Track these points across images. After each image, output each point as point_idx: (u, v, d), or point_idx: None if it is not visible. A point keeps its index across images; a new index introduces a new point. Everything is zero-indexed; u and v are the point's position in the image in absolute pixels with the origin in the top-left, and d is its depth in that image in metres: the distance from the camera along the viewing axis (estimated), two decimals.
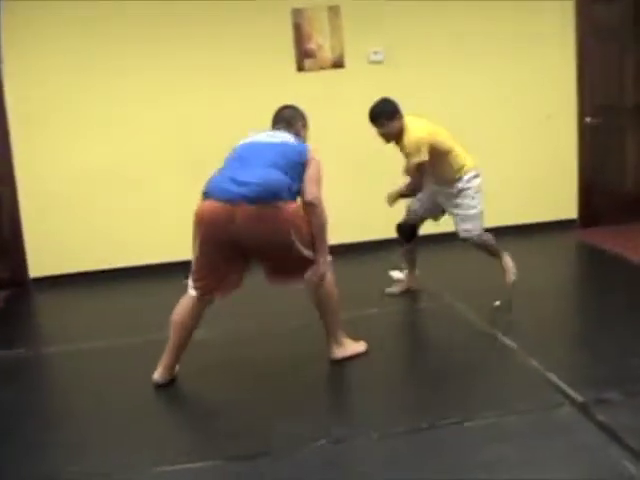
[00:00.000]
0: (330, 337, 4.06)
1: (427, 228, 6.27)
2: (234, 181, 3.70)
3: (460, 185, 4.77)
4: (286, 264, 3.87)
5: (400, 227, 5.13)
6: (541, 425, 3.20)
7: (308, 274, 3.85)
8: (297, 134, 4.10)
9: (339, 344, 4.06)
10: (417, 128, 4.63)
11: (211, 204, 3.72)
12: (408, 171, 4.74)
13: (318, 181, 3.86)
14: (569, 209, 6.93)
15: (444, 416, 3.31)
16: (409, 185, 4.82)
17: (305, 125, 4.22)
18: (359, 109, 6.09)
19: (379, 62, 6.25)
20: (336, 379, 4.01)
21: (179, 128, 6.16)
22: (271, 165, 3.75)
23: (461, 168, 4.75)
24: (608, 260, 5.90)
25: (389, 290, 5.29)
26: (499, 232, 6.03)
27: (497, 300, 4.90)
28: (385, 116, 4.62)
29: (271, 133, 4.05)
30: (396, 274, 5.57)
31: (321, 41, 6.11)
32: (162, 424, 3.58)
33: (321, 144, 5.94)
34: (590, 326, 4.48)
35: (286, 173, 3.76)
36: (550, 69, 6.67)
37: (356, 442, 3.16)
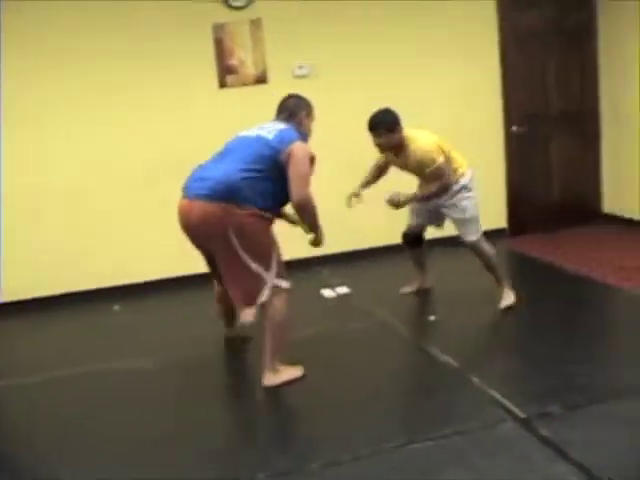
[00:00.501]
0: (266, 363, 3.95)
1: (350, 244, 6.23)
2: (197, 177, 3.82)
3: (456, 188, 4.77)
4: (234, 275, 3.83)
5: (405, 236, 5.19)
6: (486, 443, 3.16)
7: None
8: (299, 124, 4.05)
9: (274, 371, 3.95)
10: (424, 137, 4.68)
11: (179, 201, 3.86)
12: (425, 182, 4.81)
13: (302, 178, 3.78)
14: (498, 218, 6.97)
15: (388, 440, 3.24)
16: (372, 175, 5.02)
17: (309, 114, 4.16)
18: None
19: (305, 76, 6.15)
20: (274, 407, 3.89)
21: (107, 146, 5.98)
22: (240, 162, 3.76)
23: (456, 171, 4.77)
24: (539, 268, 5.95)
25: (404, 289, 5.40)
26: (431, 244, 6.03)
27: (431, 315, 4.88)
28: (385, 126, 4.58)
29: (265, 125, 4.02)
30: (327, 292, 5.50)
31: (243, 56, 5.97)
32: None
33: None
34: (526, 336, 4.48)
35: (258, 171, 3.74)
36: (475, 79, 6.72)
37: (298, 473, 3.05)
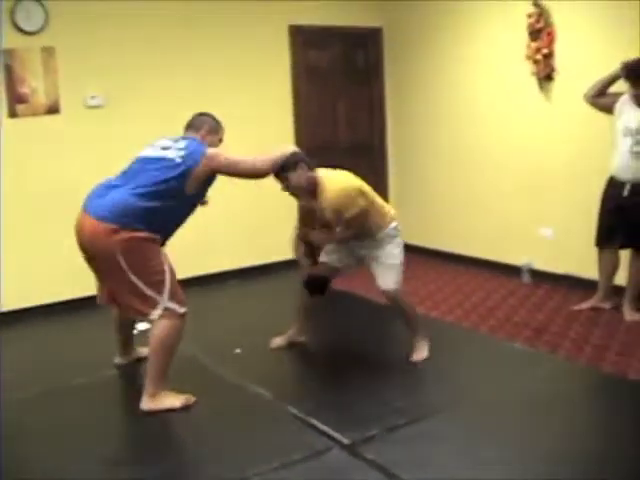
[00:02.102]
0: (147, 385, 3.86)
1: None
2: (97, 194, 3.83)
3: (382, 234, 4.38)
4: (124, 295, 3.78)
5: (311, 280, 4.50)
6: (315, 472, 3.15)
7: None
8: (202, 139, 4.08)
9: (152, 396, 3.85)
10: (340, 179, 4.33)
11: (78, 213, 3.87)
12: (343, 232, 4.33)
13: (237, 163, 3.94)
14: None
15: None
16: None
17: (212, 132, 4.18)
18: (78, 156, 5.82)
19: (98, 107, 5.91)
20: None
21: None
22: (141, 186, 3.75)
23: (384, 217, 4.42)
24: (341, 297, 6.04)
25: (274, 342, 4.80)
26: (233, 275, 6.02)
27: (237, 348, 4.82)
28: (284, 168, 4.09)
29: (168, 143, 4.01)
30: (141, 326, 5.27)
31: (35, 85, 5.60)
32: None
33: (31, 192, 5.64)
34: (338, 367, 4.51)
35: (159, 195, 3.73)
36: (269, 113, 6.82)
37: None
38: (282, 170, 4.08)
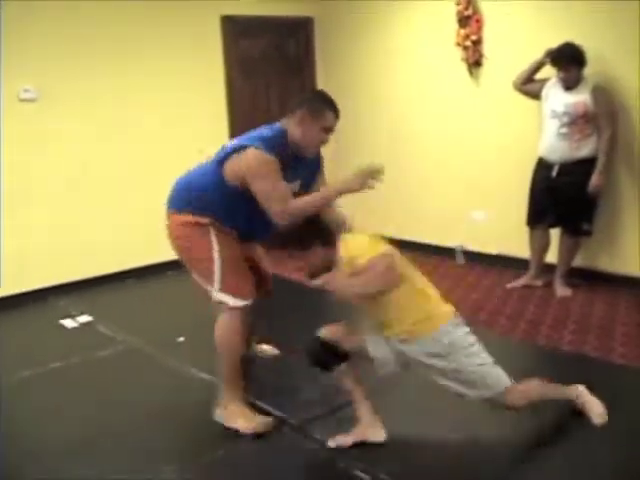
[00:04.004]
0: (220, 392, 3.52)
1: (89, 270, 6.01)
2: None
3: (425, 338, 3.04)
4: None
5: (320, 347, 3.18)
6: (265, 451, 3.24)
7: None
8: (297, 124, 3.37)
9: (224, 407, 3.48)
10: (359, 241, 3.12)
11: None
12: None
13: (269, 193, 3.20)
14: None
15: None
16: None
17: (314, 117, 3.37)
18: (9, 150, 5.72)
19: (32, 100, 5.80)
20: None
21: None
22: (196, 172, 3.55)
23: (425, 313, 3.06)
24: (284, 285, 6.05)
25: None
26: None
27: (180, 336, 4.83)
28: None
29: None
30: (68, 322, 5.25)
31: None
32: None
33: None
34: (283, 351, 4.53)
35: (204, 179, 3.43)
36: (202, 103, 6.80)
37: None
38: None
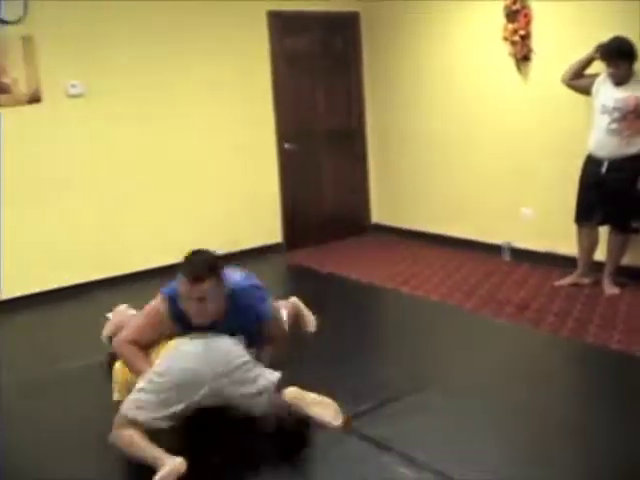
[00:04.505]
0: None
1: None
2: None
3: None
4: None
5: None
6: (310, 448, 3.20)
7: None
8: None
9: None
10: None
11: None
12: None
13: (130, 323, 3.59)
14: (274, 233, 7.13)
15: None
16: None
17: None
18: (60, 145, 5.84)
19: (79, 95, 5.90)
20: None
21: None
22: None
23: None
24: (321, 279, 6.14)
25: None
26: None
27: None
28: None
29: None
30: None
31: (16, 74, 5.57)
32: None
33: (17, 181, 5.64)
34: (327, 344, 4.49)
35: None
36: (250, 99, 6.85)
37: None
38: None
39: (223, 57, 6.64)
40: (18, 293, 5.70)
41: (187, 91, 6.47)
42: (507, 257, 6.37)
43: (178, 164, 6.46)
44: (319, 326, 4.70)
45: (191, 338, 3.27)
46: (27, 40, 5.59)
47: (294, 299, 4.53)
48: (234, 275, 3.51)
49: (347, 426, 3.23)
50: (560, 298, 5.22)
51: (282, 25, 6.96)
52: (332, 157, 7.47)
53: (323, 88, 7.32)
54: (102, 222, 6.11)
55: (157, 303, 3.43)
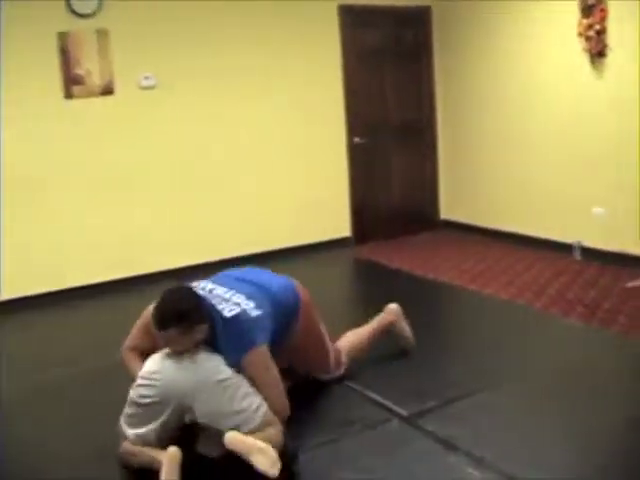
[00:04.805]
0: None
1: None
2: None
3: None
4: None
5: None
6: (376, 443, 3.23)
7: None
8: None
9: None
10: None
11: None
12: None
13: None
14: (343, 227, 7.16)
15: None
16: None
17: None
18: (131, 136, 5.99)
19: (151, 87, 6.04)
20: None
21: None
22: None
23: None
24: (388, 274, 6.15)
25: None
26: (277, 255, 6.10)
27: None
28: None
29: None
30: None
31: (90, 66, 5.75)
32: None
33: (89, 171, 5.80)
34: (392, 341, 4.54)
35: None
36: (320, 93, 6.91)
37: None
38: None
39: (294, 51, 6.72)
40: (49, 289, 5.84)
41: (257, 85, 6.55)
42: (577, 256, 6.28)
43: (247, 157, 6.57)
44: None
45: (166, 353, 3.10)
46: (101, 33, 5.76)
47: (394, 306, 4.23)
48: (226, 310, 3.21)
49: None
50: (632, 299, 5.13)
51: (353, 19, 6.98)
52: (402, 152, 7.47)
53: (393, 82, 7.33)
54: (175, 214, 6.25)
55: (151, 308, 3.27)
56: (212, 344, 3.15)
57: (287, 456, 3.00)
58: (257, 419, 3.02)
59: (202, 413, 3.00)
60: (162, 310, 3.05)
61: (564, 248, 6.37)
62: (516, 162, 6.83)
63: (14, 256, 5.59)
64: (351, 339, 4.02)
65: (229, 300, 3.26)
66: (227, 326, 3.16)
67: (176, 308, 3.03)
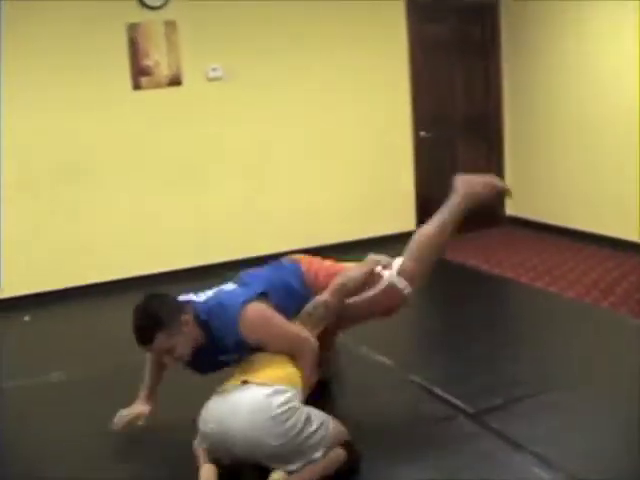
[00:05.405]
0: None
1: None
2: None
3: None
4: None
5: None
6: (441, 440, 3.21)
7: None
8: None
9: None
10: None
11: None
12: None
13: None
14: (408, 221, 7.11)
15: None
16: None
17: None
18: (198, 127, 6.05)
19: (218, 79, 6.09)
20: None
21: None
22: None
23: None
24: (454, 269, 6.08)
25: None
26: (340, 248, 6.10)
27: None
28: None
29: None
30: None
31: (158, 58, 5.83)
32: None
33: (156, 163, 5.87)
34: (458, 337, 4.53)
35: None
36: (385, 86, 6.87)
37: None
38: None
39: (360, 43, 6.70)
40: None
41: (323, 77, 6.56)
42: None
43: (312, 149, 6.58)
44: (449, 318, 4.67)
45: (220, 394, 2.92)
46: (169, 25, 5.82)
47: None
48: (200, 298, 3.16)
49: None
50: None
51: (419, 12, 6.93)
52: (467, 146, 7.40)
53: (460, 76, 7.26)
54: (242, 205, 6.34)
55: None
56: (212, 341, 3.05)
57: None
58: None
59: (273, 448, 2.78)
60: (136, 329, 2.93)
61: (634, 247, 6.22)
62: (584, 157, 6.69)
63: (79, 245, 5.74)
64: (417, 241, 3.79)
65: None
66: (210, 311, 3.05)
67: (145, 317, 2.93)
